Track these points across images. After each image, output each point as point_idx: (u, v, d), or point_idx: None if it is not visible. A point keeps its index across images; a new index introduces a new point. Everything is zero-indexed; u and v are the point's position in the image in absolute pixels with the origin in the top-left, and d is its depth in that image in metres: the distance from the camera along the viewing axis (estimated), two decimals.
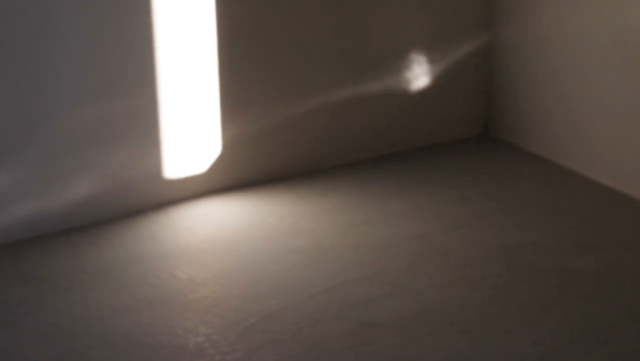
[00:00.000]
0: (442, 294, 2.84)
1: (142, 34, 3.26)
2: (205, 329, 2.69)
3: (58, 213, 3.23)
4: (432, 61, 3.82)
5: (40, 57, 3.11)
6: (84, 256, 3.09)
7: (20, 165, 3.16)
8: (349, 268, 2.99)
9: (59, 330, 2.70)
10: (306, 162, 3.66)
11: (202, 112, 3.43)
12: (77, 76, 3.18)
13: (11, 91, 3.09)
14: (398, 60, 3.75)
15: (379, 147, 3.79)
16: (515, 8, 3.76)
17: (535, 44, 3.70)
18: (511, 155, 3.80)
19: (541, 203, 3.42)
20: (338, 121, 3.69)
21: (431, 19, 3.78)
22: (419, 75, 3.80)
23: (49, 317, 2.76)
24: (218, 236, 3.21)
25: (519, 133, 3.84)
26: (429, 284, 2.89)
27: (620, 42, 3.36)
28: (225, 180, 3.53)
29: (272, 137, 3.58)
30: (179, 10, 3.31)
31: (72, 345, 2.63)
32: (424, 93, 3.83)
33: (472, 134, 3.98)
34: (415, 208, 3.38)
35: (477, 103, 3.96)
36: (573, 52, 3.55)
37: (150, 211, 3.37)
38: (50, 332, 2.69)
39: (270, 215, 3.35)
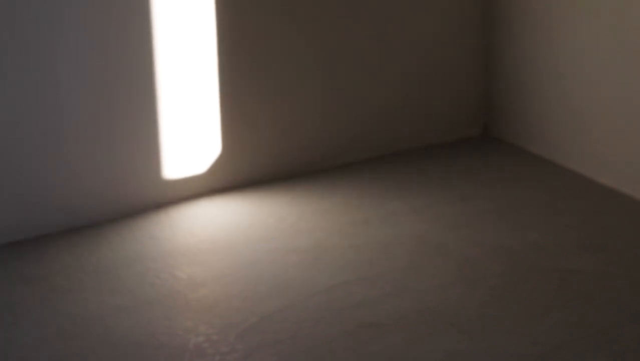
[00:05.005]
0: (442, 294, 2.84)
1: (142, 34, 3.26)
2: (205, 329, 2.69)
3: (58, 212, 3.24)
4: (431, 60, 3.83)
5: (41, 58, 3.11)
6: (84, 256, 3.09)
7: (20, 165, 3.16)
8: (349, 268, 2.99)
9: (59, 330, 2.70)
10: (306, 162, 3.66)
11: (202, 112, 3.43)
12: (78, 76, 3.18)
13: (12, 91, 3.09)
14: (398, 61, 3.75)
15: (379, 147, 3.80)
16: (515, 8, 3.76)
17: (535, 44, 3.70)
18: (511, 155, 3.80)
19: (541, 203, 3.42)
20: (338, 121, 3.69)
21: (431, 19, 3.78)
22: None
23: (49, 317, 2.76)
24: (218, 236, 3.21)
25: (519, 133, 3.85)
26: (429, 284, 2.89)
27: (620, 42, 3.36)
28: (225, 180, 3.53)
29: (272, 138, 3.58)
30: (180, 10, 3.31)
31: (72, 345, 2.63)
32: (424, 93, 3.84)
33: (472, 134, 3.98)
34: (415, 208, 3.38)
35: (477, 103, 3.96)
36: (573, 53, 3.55)
37: (150, 211, 3.38)
38: (50, 332, 2.69)
39: (270, 215, 3.35)
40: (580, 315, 2.72)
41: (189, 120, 3.41)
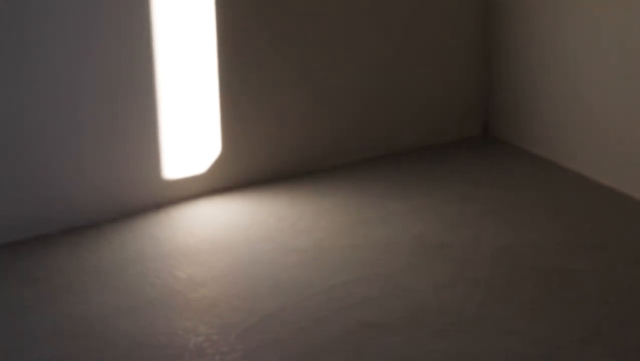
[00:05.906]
0: (442, 295, 2.84)
1: (142, 34, 3.26)
2: (205, 329, 2.69)
3: (58, 213, 3.24)
4: (431, 60, 3.83)
5: (41, 59, 3.11)
6: (84, 256, 3.09)
7: (21, 165, 3.16)
8: (349, 268, 2.99)
9: (59, 330, 2.70)
10: (306, 162, 3.66)
11: (201, 112, 3.43)
12: (78, 77, 3.18)
13: (11, 93, 3.09)
14: (398, 60, 3.75)
15: (379, 147, 3.80)
16: (514, 8, 3.76)
17: (535, 44, 3.70)
18: (511, 155, 3.80)
19: (541, 203, 3.42)
20: (338, 121, 3.69)
21: (431, 20, 3.78)
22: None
23: (49, 317, 2.76)
24: (218, 236, 3.21)
25: (519, 133, 3.85)
26: (429, 284, 2.89)
27: (619, 43, 3.36)
28: (225, 180, 3.53)
29: (272, 138, 3.58)
30: (179, 11, 3.31)
31: (72, 345, 2.63)
32: (424, 93, 3.84)
33: (472, 134, 3.98)
34: (414, 208, 3.38)
35: (477, 103, 3.96)
36: (573, 53, 3.55)
37: (150, 211, 3.38)
38: (50, 332, 2.69)
39: (270, 215, 3.35)
40: (580, 314, 2.72)
41: (188, 120, 3.41)
